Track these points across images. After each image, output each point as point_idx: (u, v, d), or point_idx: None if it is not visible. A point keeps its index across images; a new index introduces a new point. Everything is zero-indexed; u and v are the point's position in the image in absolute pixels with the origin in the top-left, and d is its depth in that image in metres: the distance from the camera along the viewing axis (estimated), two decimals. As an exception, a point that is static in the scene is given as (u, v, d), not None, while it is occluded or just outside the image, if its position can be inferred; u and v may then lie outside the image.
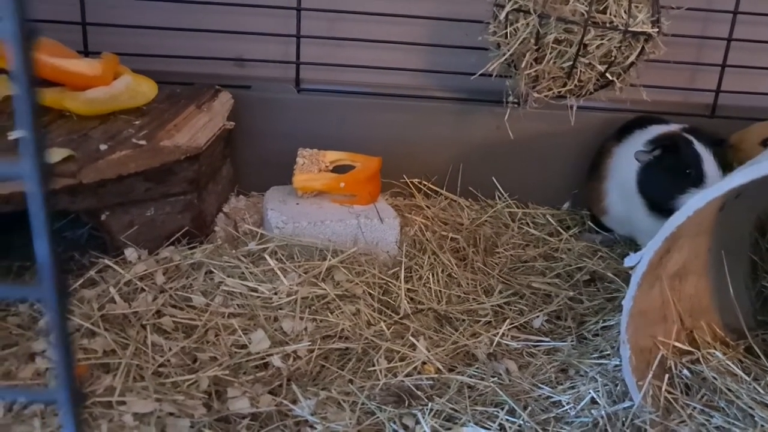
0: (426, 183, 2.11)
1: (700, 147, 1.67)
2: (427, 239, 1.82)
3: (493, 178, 2.12)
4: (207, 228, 1.73)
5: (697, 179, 1.64)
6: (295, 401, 1.24)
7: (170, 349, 1.32)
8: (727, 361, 1.29)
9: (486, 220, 2.03)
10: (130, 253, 1.54)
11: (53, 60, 1.62)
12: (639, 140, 1.81)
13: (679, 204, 1.63)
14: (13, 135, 1.42)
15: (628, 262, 1.18)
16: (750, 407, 1.21)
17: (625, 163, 1.80)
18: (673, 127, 1.83)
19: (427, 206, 2.04)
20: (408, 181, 2.11)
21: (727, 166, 1.67)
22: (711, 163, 1.65)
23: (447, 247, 1.82)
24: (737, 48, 2.07)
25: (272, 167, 1.94)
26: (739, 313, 1.46)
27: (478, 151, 2.10)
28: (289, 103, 2.04)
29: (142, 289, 1.45)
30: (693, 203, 1.08)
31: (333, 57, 2.07)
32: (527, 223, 2.05)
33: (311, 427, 1.18)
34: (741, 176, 1.03)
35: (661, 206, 1.69)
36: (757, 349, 1.38)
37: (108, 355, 1.29)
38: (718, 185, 1.06)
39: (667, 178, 1.68)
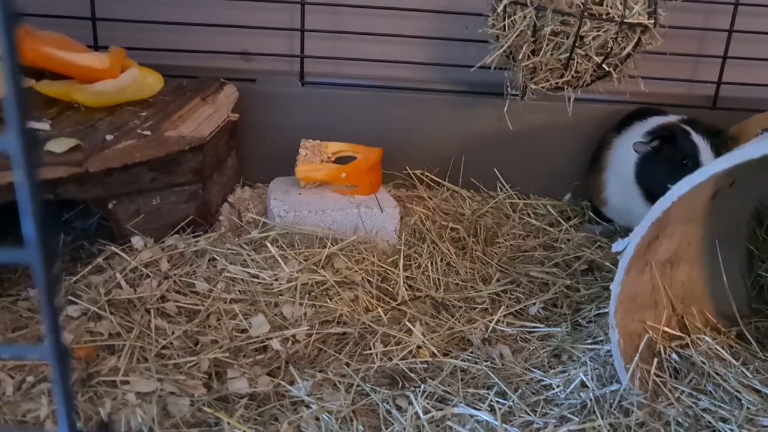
0: (428, 174, 2.14)
1: (697, 137, 1.68)
2: (427, 229, 1.85)
3: (495, 170, 2.14)
4: (211, 217, 1.77)
5: (693, 169, 1.64)
6: (292, 382, 1.28)
7: (173, 333, 1.37)
8: (716, 346, 1.31)
9: (487, 211, 2.05)
10: (137, 240, 1.59)
11: (62, 54, 1.67)
12: (638, 132, 1.83)
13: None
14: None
15: (615, 247, 1.20)
16: (737, 390, 1.24)
17: (624, 155, 1.82)
18: (672, 119, 1.85)
19: (428, 197, 2.07)
20: (410, 172, 2.14)
21: None
22: (708, 153, 1.67)
23: (447, 237, 1.85)
24: (738, 39, 2.07)
25: (277, 159, 1.98)
26: (732, 301, 1.47)
27: (480, 142, 2.13)
28: (294, 96, 2.08)
29: (148, 276, 1.50)
30: (677, 189, 1.10)
31: (336, 51, 2.10)
32: (528, 214, 2.07)
33: (307, 407, 1.22)
34: (725, 161, 1.05)
35: (658, 196, 1.70)
36: (749, 335, 1.40)
37: (113, 337, 1.33)
38: (701, 170, 1.08)
39: (663, 169, 1.70)
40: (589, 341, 1.45)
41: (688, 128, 1.71)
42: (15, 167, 0.43)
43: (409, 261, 1.70)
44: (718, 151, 1.69)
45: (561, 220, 2.04)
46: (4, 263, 1.27)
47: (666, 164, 1.70)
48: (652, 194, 1.74)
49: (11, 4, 0.40)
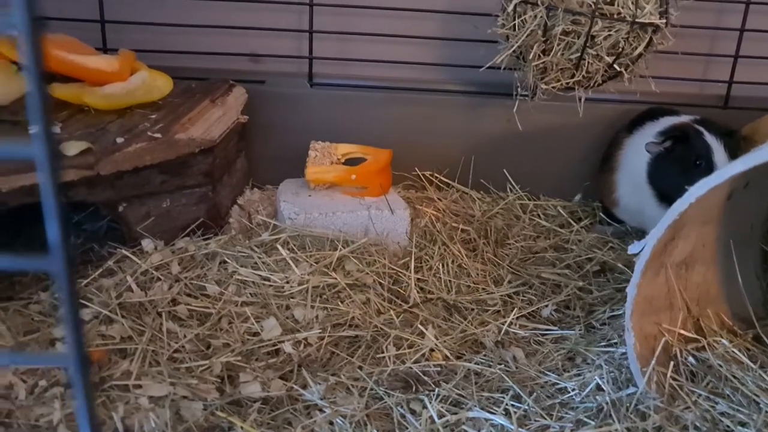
0: (437, 176, 2.14)
1: (710, 138, 1.67)
2: (437, 230, 1.84)
3: (505, 171, 2.13)
4: (222, 220, 1.76)
5: (706, 170, 1.64)
6: (305, 386, 1.27)
7: (185, 336, 1.36)
8: (733, 349, 1.30)
9: (497, 212, 2.04)
10: (147, 243, 1.59)
11: (72, 57, 1.66)
12: (650, 132, 1.82)
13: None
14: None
15: (631, 249, 1.19)
16: (755, 394, 1.22)
17: (636, 155, 1.81)
18: (685, 119, 1.83)
19: (438, 198, 2.06)
20: (420, 173, 2.13)
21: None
22: (721, 153, 1.65)
23: (457, 239, 1.84)
24: (750, 38, 2.06)
25: (286, 161, 1.98)
26: (748, 303, 1.46)
27: (490, 143, 2.12)
28: (303, 97, 2.07)
29: (158, 279, 1.49)
30: (694, 190, 1.09)
31: (345, 52, 2.09)
32: (538, 215, 2.06)
33: (320, 410, 1.21)
34: (742, 163, 1.04)
35: (671, 197, 1.69)
36: (765, 338, 1.39)
37: (125, 341, 1.33)
38: (719, 172, 1.06)
39: (676, 169, 1.69)
40: (603, 344, 1.43)
41: (701, 128, 1.70)
42: (40, 173, 0.42)
43: (420, 263, 1.70)
44: (732, 151, 1.68)
45: (572, 221, 2.03)
46: (25, 271, 1.27)
47: (679, 165, 1.68)
48: (664, 195, 1.73)
49: (35, 10, 0.40)
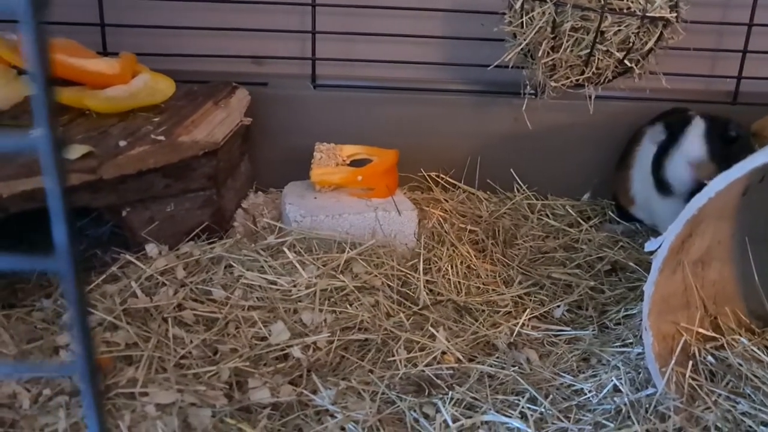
0: (444, 176, 2.11)
1: (697, 123, 1.64)
2: (445, 231, 1.81)
3: (512, 170, 2.10)
4: (226, 223, 1.74)
5: (673, 144, 1.63)
6: (315, 391, 1.24)
7: (191, 342, 1.33)
8: (753, 347, 1.27)
9: (505, 213, 2.01)
10: (151, 248, 1.56)
11: (73, 60, 1.64)
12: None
13: (667, 175, 1.63)
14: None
15: (648, 246, 1.16)
16: (777, 393, 1.19)
17: (649, 149, 1.79)
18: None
19: (445, 199, 2.03)
20: (426, 174, 2.10)
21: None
22: (696, 136, 1.62)
23: (466, 239, 1.81)
24: (759, 33, 2.03)
25: (290, 163, 1.95)
26: (765, 300, 1.43)
27: (496, 143, 2.09)
28: (306, 99, 2.05)
29: (163, 284, 1.46)
30: (714, 184, 1.06)
31: (348, 52, 2.07)
32: (546, 215, 2.03)
33: (332, 416, 1.18)
34: (764, 155, 1.01)
35: (661, 183, 1.68)
36: (784, 336, 1.36)
37: (130, 347, 1.30)
38: (739, 165, 1.04)
39: (661, 153, 1.67)
40: (618, 344, 1.41)
41: (698, 119, 1.67)
42: (46, 174, 0.40)
43: (429, 264, 1.67)
44: (735, 155, 1.64)
45: (581, 221, 2.00)
46: (32, 271, 1.24)
47: (664, 149, 1.66)
48: (658, 182, 1.71)
49: (41, 15, 0.37)
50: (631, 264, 1.75)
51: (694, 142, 1.63)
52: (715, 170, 1.44)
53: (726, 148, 1.64)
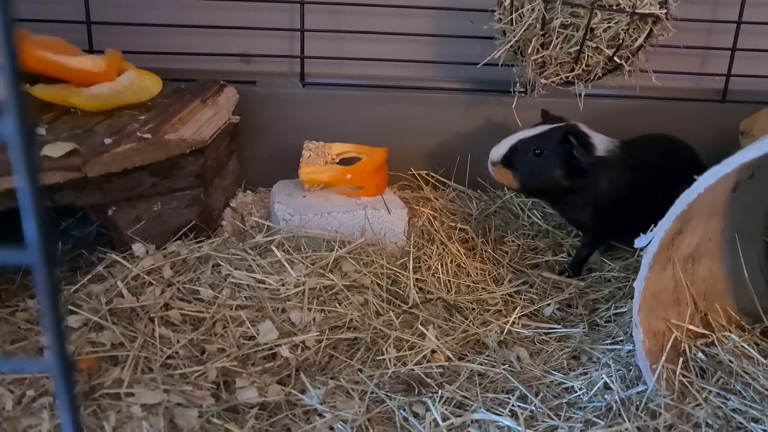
0: (433, 175, 2.10)
1: (532, 129, 1.66)
2: (435, 230, 1.80)
3: (502, 169, 2.09)
4: (214, 222, 1.72)
5: None
6: (303, 391, 1.23)
7: (178, 342, 1.31)
8: (743, 344, 1.26)
9: (495, 211, 2.01)
10: (138, 248, 1.54)
11: (58, 57, 1.62)
12: None
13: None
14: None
15: (638, 243, 1.16)
16: (767, 390, 1.19)
17: None
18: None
19: (435, 198, 2.02)
20: (415, 173, 2.09)
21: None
22: (514, 136, 1.65)
23: (455, 238, 1.81)
24: (747, 31, 2.03)
25: (279, 162, 1.93)
26: (755, 297, 1.43)
27: (486, 141, 2.07)
28: (295, 97, 2.03)
29: (150, 283, 1.45)
30: (704, 180, 1.05)
31: (337, 51, 2.06)
32: (536, 214, 2.02)
33: (320, 415, 1.17)
34: (753, 150, 1.01)
35: None
36: (774, 333, 1.36)
37: (116, 348, 1.28)
38: (729, 160, 1.03)
39: None
40: (608, 341, 1.40)
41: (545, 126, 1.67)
42: (15, 166, 0.38)
43: (419, 263, 1.66)
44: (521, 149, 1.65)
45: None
46: (3, 265, 1.22)
47: None
48: None
49: (10, 10, 0.36)
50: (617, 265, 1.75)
51: (501, 145, 1.65)
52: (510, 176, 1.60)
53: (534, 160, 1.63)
